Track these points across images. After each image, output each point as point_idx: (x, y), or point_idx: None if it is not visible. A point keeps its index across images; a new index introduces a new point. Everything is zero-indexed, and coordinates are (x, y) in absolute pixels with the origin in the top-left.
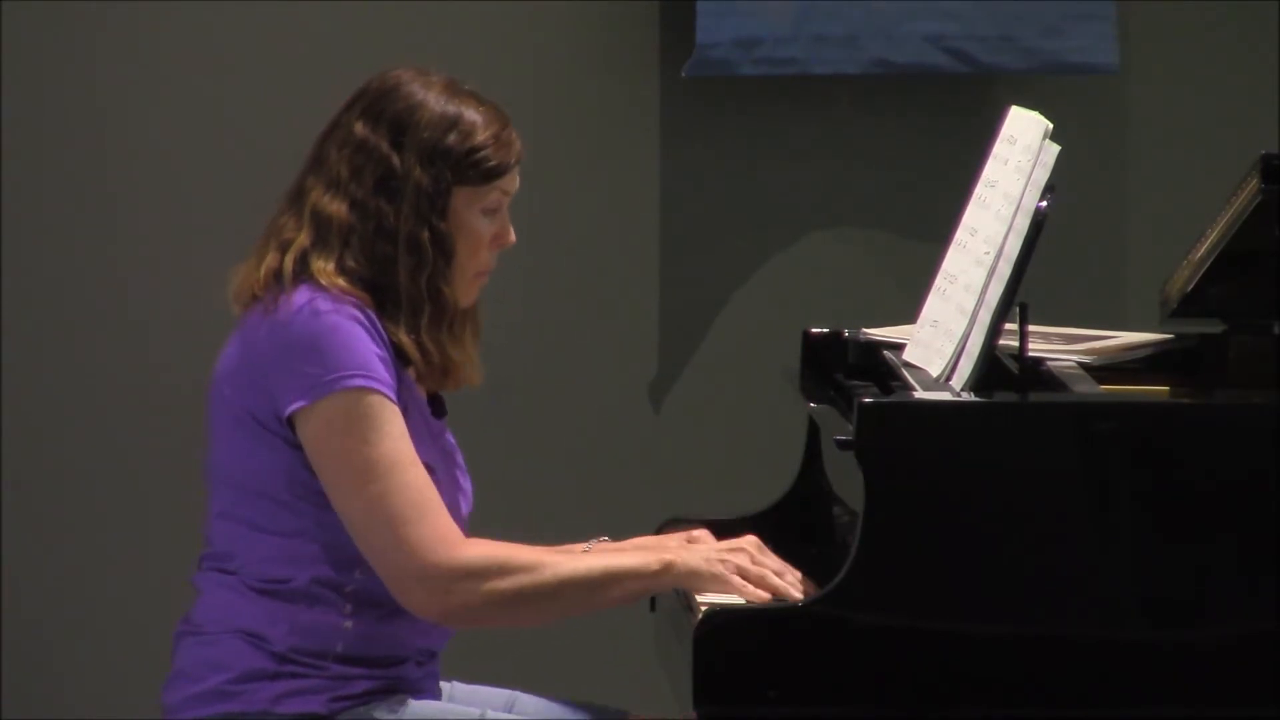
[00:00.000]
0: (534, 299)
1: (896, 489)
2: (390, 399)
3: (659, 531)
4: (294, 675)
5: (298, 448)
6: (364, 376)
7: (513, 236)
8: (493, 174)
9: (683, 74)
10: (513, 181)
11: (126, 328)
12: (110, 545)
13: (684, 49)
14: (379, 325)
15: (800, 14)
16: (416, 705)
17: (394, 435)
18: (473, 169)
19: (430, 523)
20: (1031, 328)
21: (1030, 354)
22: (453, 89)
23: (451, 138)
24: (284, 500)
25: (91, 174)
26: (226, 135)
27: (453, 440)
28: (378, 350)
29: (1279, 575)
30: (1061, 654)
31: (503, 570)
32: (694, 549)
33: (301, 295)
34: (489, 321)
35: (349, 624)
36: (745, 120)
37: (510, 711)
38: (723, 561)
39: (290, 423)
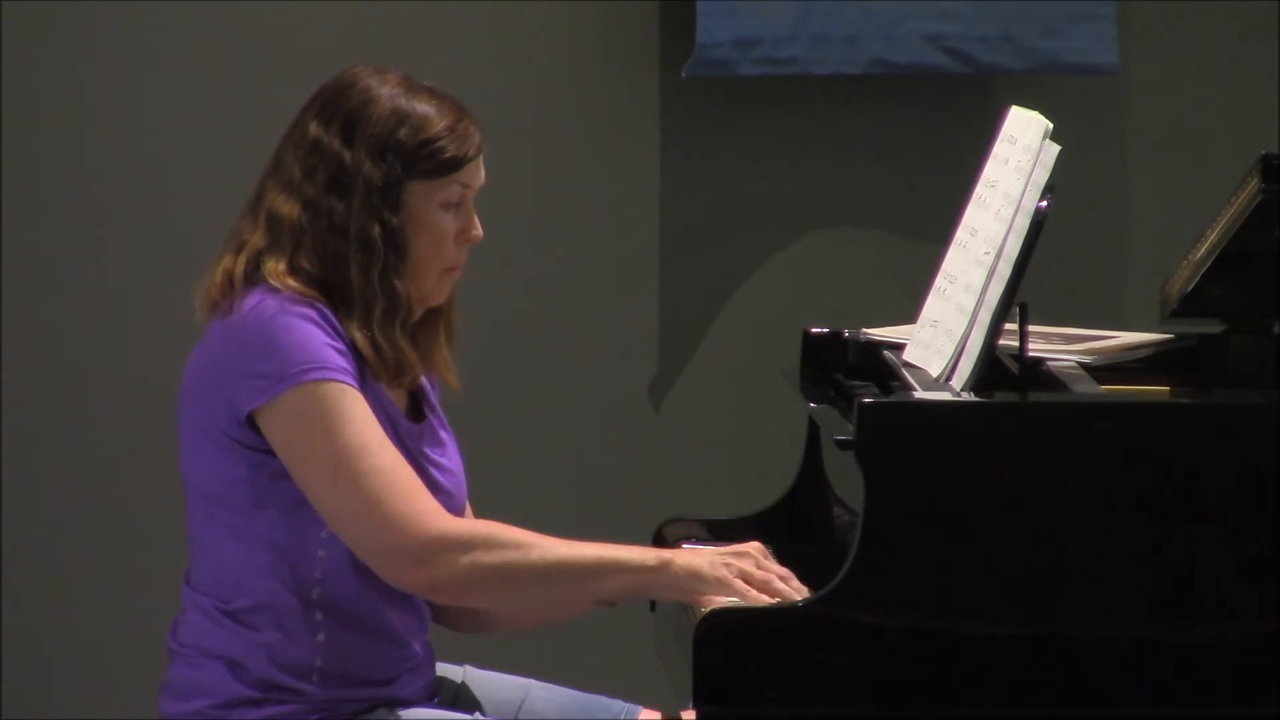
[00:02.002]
0: (534, 299)
1: (896, 489)
2: (349, 384)
3: (659, 531)
4: (279, 701)
5: (259, 451)
6: (318, 369)
7: (479, 231)
8: (447, 167)
9: (683, 74)
10: (472, 175)
11: (127, 329)
12: (110, 547)
13: (684, 49)
14: (334, 321)
15: (800, 14)
16: (407, 714)
17: (358, 420)
18: (425, 162)
19: (408, 499)
20: (1031, 328)
21: (1030, 354)
22: (408, 84)
23: (402, 131)
24: (243, 508)
25: (92, 176)
26: (227, 137)
27: (446, 438)
28: (332, 342)
29: (1279, 575)
30: (1061, 654)
31: (488, 544)
32: (698, 551)
33: (252, 298)
34: (490, 321)
35: (321, 636)
36: (745, 120)
37: (521, 707)
38: (726, 565)
39: (251, 423)
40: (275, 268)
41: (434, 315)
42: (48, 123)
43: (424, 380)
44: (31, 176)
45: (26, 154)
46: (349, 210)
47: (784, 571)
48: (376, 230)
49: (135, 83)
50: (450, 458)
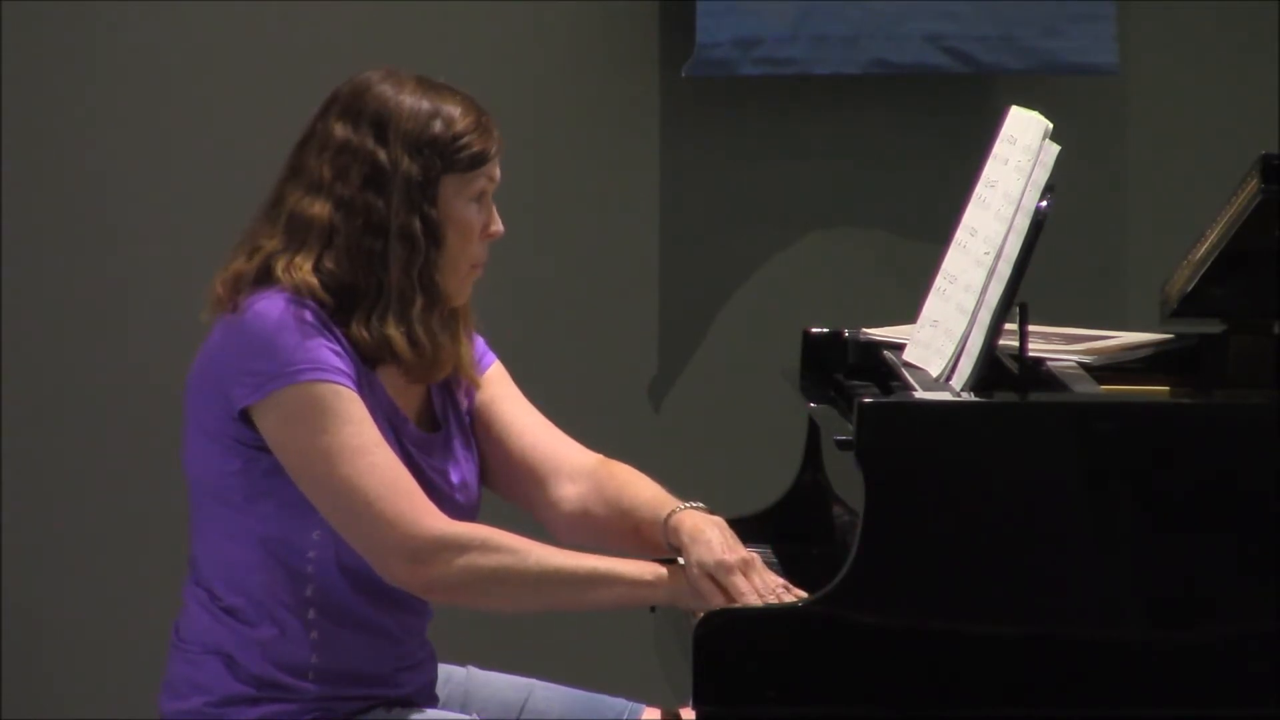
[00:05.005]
0: (534, 299)
1: (896, 489)
2: (346, 386)
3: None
4: (274, 699)
5: (253, 448)
6: (313, 370)
7: (500, 226)
8: (478, 159)
9: (683, 74)
10: (496, 169)
11: (128, 329)
12: (110, 547)
13: (684, 49)
14: (331, 324)
15: (800, 14)
16: (406, 714)
17: (354, 420)
18: (459, 154)
19: (406, 498)
20: (1031, 328)
21: (1030, 354)
22: (426, 83)
23: (436, 126)
24: (237, 502)
25: (93, 176)
26: (227, 138)
27: (464, 453)
28: (330, 344)
29: (1279, 575)
30: (1061, 654)
31: (484, 547)
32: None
33: (257, 298)
34: (489, 321)
35: (315, 634)
36: (745, 120)
37: (524, 707)
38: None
39: (247, 420)
40: (301, 265)
41: (452, 316)
42: (48, 123)
43: (458, 394)
44: (32, 176)
45: (27, 154)
46: (389, 206)
47: (779, 581)
48: (418, 225)
49: (135, 83)
50: (462, 472)
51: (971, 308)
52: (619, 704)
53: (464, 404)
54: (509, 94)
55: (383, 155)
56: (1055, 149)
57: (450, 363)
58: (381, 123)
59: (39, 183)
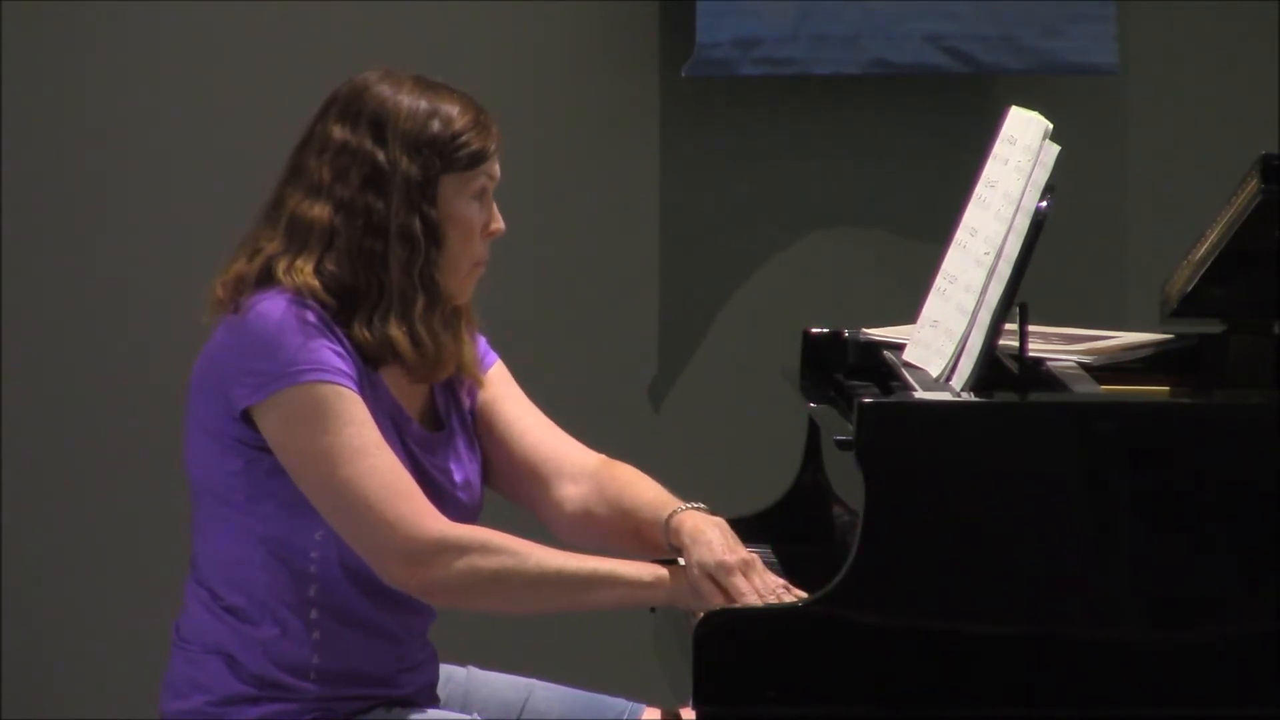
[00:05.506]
0: (534, 298)
1: (896, 489)
2: (348, 387)
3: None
4: (274, 699)
5: (255, 448)
6: (315, 371)
7: (501, 224)
8: (477, 158)
9: (683, 74)
10: (496, 167)
11: (128, 329)
12: (110, 546)
13: (684, 49)
14: (334, 326)
15: (800, 14)
16: (406, 714)
17: (356, 422)
18: (458, 153)
19: (406, 500)
20: (1031, 328)
21: (1030, 354)
22: (424, 83)
23: (434, 126)
24: (238, 502)
25: (92, 176)
26: (227, 138)
27: (467, 453)
28: (332, 345)
29: (1279, 575)
30: (1061, 654)
31: (484, 549)
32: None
33: (260, 298)
34: (489, 321)
35: (317, 634)
36: (745, 120)
37: (524, 707)
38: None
39: (248, 420)
40: (302, 267)
41: (454, 315)
42: (48, 123)
43: (460, 393)
44: (32, 176)
45: (27, 154)
46: (388, 207)
47: (780, 582)
48: (417, 225)
49: (135, 83)
50: (465, 471)
51: (971, 308)
52: (619, 704)
53: (467, 403)
54: (509, 94)
55: (382, 156)
56: (1055, 149)
57: (452, 362)
58: (380, 123)
59: (39, 183)
